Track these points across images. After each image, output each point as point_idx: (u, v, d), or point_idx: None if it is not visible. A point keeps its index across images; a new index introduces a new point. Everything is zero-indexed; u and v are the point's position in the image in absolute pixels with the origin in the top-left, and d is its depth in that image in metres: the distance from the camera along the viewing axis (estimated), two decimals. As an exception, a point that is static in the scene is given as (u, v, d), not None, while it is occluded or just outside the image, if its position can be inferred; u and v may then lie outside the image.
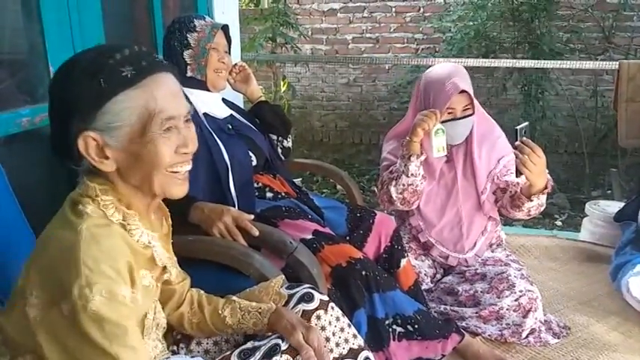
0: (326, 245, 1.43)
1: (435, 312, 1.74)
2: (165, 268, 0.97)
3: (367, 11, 4.58)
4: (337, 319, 1.08)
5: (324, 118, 5.04)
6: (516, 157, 1.58)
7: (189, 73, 1.56)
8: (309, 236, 1.45)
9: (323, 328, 1.06)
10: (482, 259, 1.88)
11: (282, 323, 0.99)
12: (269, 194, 1.61)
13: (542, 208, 1.76)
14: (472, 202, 1.86)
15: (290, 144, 1.86)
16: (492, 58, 3.73)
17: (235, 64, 1.77)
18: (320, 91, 4.92)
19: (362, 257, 1.42)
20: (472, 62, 2.92)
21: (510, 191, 1.77)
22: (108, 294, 0.78)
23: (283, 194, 1.63)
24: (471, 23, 4.04)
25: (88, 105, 0.83)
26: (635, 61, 2.29)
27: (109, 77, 0.83)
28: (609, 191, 3.92)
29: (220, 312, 1.06)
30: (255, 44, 3.88)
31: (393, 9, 4.53)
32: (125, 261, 0.83)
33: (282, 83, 4.15)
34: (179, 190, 0.92)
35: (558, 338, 1.71)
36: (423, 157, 1.74)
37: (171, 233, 1.05)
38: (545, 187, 1.65)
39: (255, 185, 1.60)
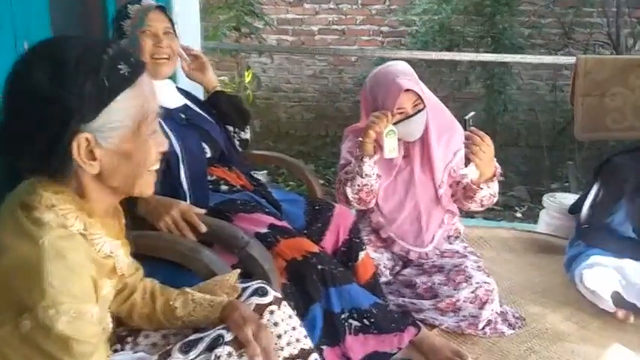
0: (282, 239, 1.40)
1: (393, 304, 1.75)
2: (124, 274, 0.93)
3: (333, 2, 4.55)
4: (290, 317, 1.06)
5: (290, 109, 4.99)
6: (466, 147, 1.59)
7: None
8: (265, 230, 1.42)
9: (276, 324, 1.03)
10: (440, 252, 1.89)
11: (234, 316, 0.96)
12: (224, 187, 1.57)
13: (495, 199, 1.78)
14: (430, 195, 1.87)
15: (248, 135, 1.82)
16: (456, 51, 3.76)
17: (186, 48, 1.70)
18: (286, 82, 4.87)
19: (318, 251, 1.40)
20: (436, 55, 2.93)
21: (462, 182, 1.79)
22: (76, 313, 0.74)
23: (239, 187, 1.59)
24: (436, 17, 4.06)
25: (90, 105, 0.78)
26: (591, 56, 2.34)
27: (110, 75, 0.80)
28: (567, 183, 4.02)
29: (172, 303, 1.02)
30: (219, 33, 3.80)
31: (359, 1, 4.51)
32: (90, 276, 0.80)
33: (246, 74, 4.08)
34: (151, 188, 0.91)
35: (514, 329, 1.73)
36: (376, 158, 1.74)
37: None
38: (494, 175, 1.68)
39: (209, 178, 1.56)
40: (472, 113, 1.62)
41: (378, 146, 1.73)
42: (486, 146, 1.58)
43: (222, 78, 4.41)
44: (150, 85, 0.87)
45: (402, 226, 1.88)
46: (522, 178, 4.10)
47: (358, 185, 1.75)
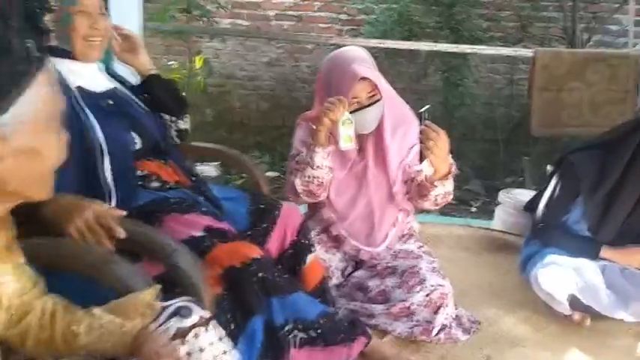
0: (219, 243, 1.25)
1: (344, 309, 1.64)
2: None
3: (290, -14, 4.38)
4: (220, 339, 0.92)
5: (244, 98, 4.79)
6: (420, 142, 1.49)
7: (53, 41, 1.31)
8: (200, 233, 1.27)
9: (202, 350, 0.89)
10: (393, 252, 1.79)
11: (145, 350, 0.81)
12: (155, 184, 1.40)
13: (449, 197, 1.69)
14: (384, 192, 1.76)
15: (187, 125, 1.65)
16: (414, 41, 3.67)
17: (116, 27, 1.52)
18: (240, 69, 4.66)
19: (259, 257, 1.26)
20: (394, 44, 2.82)
21: (416, 180, 1.69)
22: None
23: (173, 184, 1.43)
24: (395, 6, 3.96)
25: (5, 92, 0.69)
26: (549, 49, 2.29)
27: (27, 57, 0.71)
28: (521, 178, 4.02)
29: (74, 327, 0.85)
30: (166, 15, 3.57)
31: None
32: None
33: (197, 59, 3.86)
34: (50, 191, 0.80)
35: (469, 334, 1.65)
36: (330, 149, 1.62)
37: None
38: (449, 172, 1.58)
39: (139, 173, 1.39)
40: (427, 106, 1.52)
41: (332, 136, 1.61)
42: (441, 142, 1.49)
43: (171, 63, 4.18)
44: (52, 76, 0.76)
45: (354, 223, 1.77)
46: (478, 172, 4.07)
47: (308, 177, 1.63)
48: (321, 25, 4.44)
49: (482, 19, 4.08)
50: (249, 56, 4.59)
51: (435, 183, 1.60)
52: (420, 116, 1.50)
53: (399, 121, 1.77)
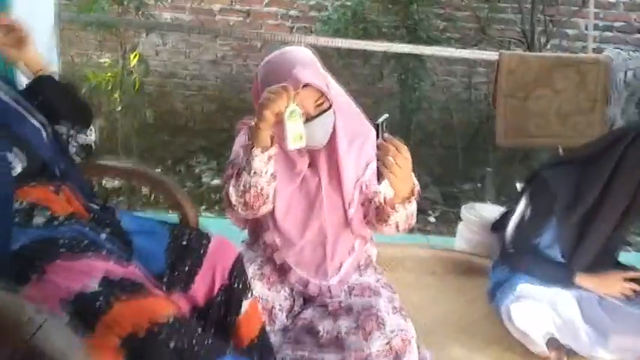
0: (117, 301, 0.94)
1: (290, 360, 1.36)
2: None
3: (235, -22, 4.06)
4: None
5: (188, 99, 4.43)
6: (378, 159, 1.24)
7: None
8: (93, 287, 0.96)
9: None
10: (348, 286, 1.53)
11: None
12: (39, 218, 1.08)
13: (412, 221, 1.44)
14: (338, 215, 1.49)
15: (93, 138, 1.33)
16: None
17: None
18: (182, 68, 4.30)
19: (171, 319, 0.96)
20: (349, 44, 2.57)
21: (375, 202, 1.44)
22: None
23: (63, 217, 1.11)
24: (348, 3, 3.72)
25: None
26: (515, 52, 2.11)
27: None
28: (479, 185, 3.88)
29: None
30: (95, 7, 3.18)
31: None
32: None
33: (131, 56, 3.49)
34: None
35: (435, 383, 1.42)
36: (272, 151, 1.34)
37: None
38: (412, 194, 1.34)
39: (17, 205, 1.06)
40: (385, 116, 1.26)
41: (276, 136, 1.33)
42: (403, 159, 1.23)
43: (103, 60, 3.78)
44: None
45: (303, 251, 1.49)
46: (435, 180, 3.90)
47: (244, 185, 1.34)
48: (269, 21, 4.14)
49: (439, 19, 3.90)
50: (193, 54, 4.24)
51: (396, 207, 1.35)
52: (377, 128, 1.23)
53: (355, 133, 1.51)
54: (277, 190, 1.43)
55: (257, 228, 1.56)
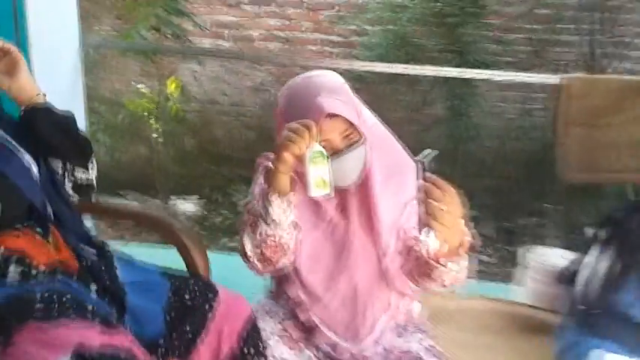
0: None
1: None
2: None
3: (276, 5, 3.96)
4: None
5: (227, 126, 4.34)
6: (420, 204, 1.01)
7: None
8: (63, 362, 0.78)
9: None
10: (384, 349, 1.29)
11: None
12: (14, 272, 0.91)
13: (463, 277, 1.20)
14: (372, 266, 1.27)
15: (91, 175, 1.17)
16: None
17: None
18: (221, 94, 4.22)
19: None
20: (392, 68, 2.37)
21: (415, 250, 1.20)
22: None
23: (45, 270, 0.94)
24: (392, 27, 3.54)
25: None
26: (580, 75, 1.85)
27: None
28: (536, 219, 3.54)
29: None
30: (133, 33, 3.14)
31: (306, 5, 3.93)
32: None
33: (169, 82, 3.42)
34: None
35: None
36: (293, 198, 1.14)
37: None
38: (463, 246, 1.09)
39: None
40: (428, 151, 1.03)
41: (299, 181, 1.14)
42: (450, 204, 1.01)
43: (140, 86, 3.75)
44: None
45: (330, 307, 1.27)
46: (488, 215, 3.59)
47: (261, 235, 1.15)
48: (310, 47, 4.01)
49: (489, 42, 3.64)
50: (232, 80, 4.16)
51: (441, 261, 1.11)
52: (418, 166, 1.01)
53: (392, 169, 1.29)
54: (300, 239, 1.23)
55: (281, 278, 1.36)
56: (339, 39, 3.95)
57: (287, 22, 3.98)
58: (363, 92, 3.47)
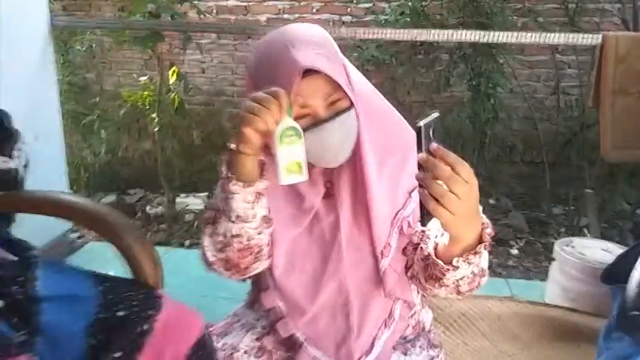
0: None
1: None
2: None
3: (283, -14, 3.72)
4: None
5: (235, 117, 4.13)
6: (420, 184, 0.75)
7: None
8: None
9: None
10: (386, 370, 1.04)
11: None
12: None
13: (483, 280, 0.93)
14: (368, 269, 1.02)
15: (17, 164, 0.96)
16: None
17: None
18: (229, 84, 4.01)
19: None
20: (401, 35, 2.07)
21: (422, 249, 0.94)
22: None
23: None
24: (408, 2, 3.25)
25: None
26: (626, 33, 1.54)
27: None
28: (573, 208, 3.21)
29: None
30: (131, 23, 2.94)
31: (314, -16, 3.69)
32: None
33: (170, 73, 3.22)
34: None
35: None
36: (262, 185, 0.90)
37: None
38: (481, 241, 0.83)
39: None
40: (434, 115, 0.77)
41: (270, 163, 0.90)
42: (461, 184, 0.74)
43: (142, 78, 3.57)
44: None
45: (316, 321, 1.03)
46: (518, 203, 3.28)
47: (224, 235, 0.93)
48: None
49: (515, 15, 3.31)
50: (239, 69, 3.94)
51: (454, 261, 0.85)
52: (419, 132, 0.74)
53: (391, 148, 1.03)
54: (276, 237, 0.99)
55: (258, 282, 1.12)
56: (353, 19, 3.68)
57: (296, 4, 3.74)
58: (377, 75, 3.20)
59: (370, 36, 1.96)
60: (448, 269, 0.86)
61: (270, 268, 1.01)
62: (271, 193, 0.95)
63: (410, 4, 3.23)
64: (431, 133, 0.74)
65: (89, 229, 0.94)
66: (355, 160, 0.99)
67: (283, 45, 0.90)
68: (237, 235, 0.92)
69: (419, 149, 0.74)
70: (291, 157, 0.86)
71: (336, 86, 0.91)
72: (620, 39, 1.56)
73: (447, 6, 3.11)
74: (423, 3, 3.11)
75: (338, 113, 0.92)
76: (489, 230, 0.85)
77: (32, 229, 0.91)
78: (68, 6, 3.85)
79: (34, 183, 0.98)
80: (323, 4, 3.68)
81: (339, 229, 1.00)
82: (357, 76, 1.02)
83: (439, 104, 3.37)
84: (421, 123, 0.73)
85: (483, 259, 0.88)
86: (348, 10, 3.67)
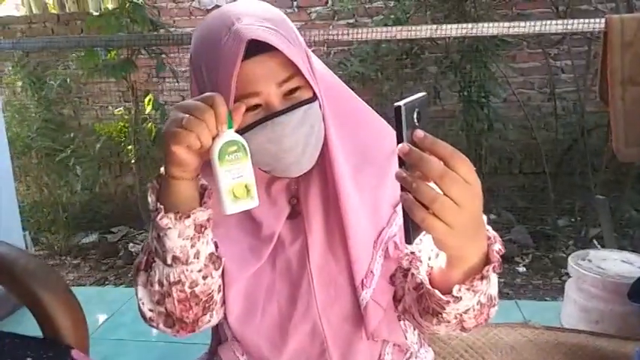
0: None
1: None
2: None
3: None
4: None
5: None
6: (402, 186, 0.55)
7: None
8: None
9: None
10: None
11: None
12: None
13: (493, 310, 0.72)
14: (345, 305, 0.82)
15: None
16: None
17: None
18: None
19: None
20: (372, 34, 1.92)
21: (414, 275, 0.74)
22: None
23: None
24: (391, 16, 3.12)
25: None
26: (631, 15, 1.39)
27: None
28: (579, 218, 3.02)
29: None
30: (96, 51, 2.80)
31: (295, 3, 3.56)
32: None
33: (146, 101, 3.06)
34: None
35: None
36: (202, 215, 0.71)
37: None
38: (488, 262, 0.63)
39: None
40: (419, 95, 0.58)
41: (213, 186, 0.72)
42: (457, 182, 0.54)
43: (117, 110, 3.41)
44: None
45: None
46: (520, 217, 3.08)
47: (159, 283, 0.74)
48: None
49: (504, 21, 3.17)
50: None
51: (455, 290, 0.65)
52: (399, 116, 0.55)
53: (368, 154, 0.85)
54: (230, 276, 0.80)
55: (215, 331, 0.92)
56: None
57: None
58: (364, 92, 3.01)
59: (345, 37, 1.80)
60: (448, 301, 0.66)
61: (225, 316, 0.81)
62: (219, 222, 0.76)
63: (392, 16, 3.09)
64: (415, 117, 0.55)
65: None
66: (324, 167, 0.80)
67: (227, 19, 0.72)
68: (177, 282, 0.73)
69: (399, 138, 0.55)
70: (236, 178, 0.68)
71: (294, 72, 0.73)
72: (626, 22, 1.39)
73: (431, 15, 2.97)
74: (407, 15, 2.98)
75: (297, 105, 0.74)
76: (498, 246, 0.65)
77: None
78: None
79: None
80: (303, 22, 3.56)
81: (308, 257, 0.81)
82: (322, 67, 0.84)
83: (430, 118, 3.21)
84: (401, 103, 0.54)
85: (492, 284, 0.68)
86: (330, 27, 3.54)
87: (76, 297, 0.76)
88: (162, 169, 0.71)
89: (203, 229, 0.72)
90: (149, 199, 0.72)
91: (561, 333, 1.38)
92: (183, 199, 0.70)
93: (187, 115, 0.64)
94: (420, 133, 0.54)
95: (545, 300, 2.22)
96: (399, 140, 0.55)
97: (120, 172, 3.71)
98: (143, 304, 0.76)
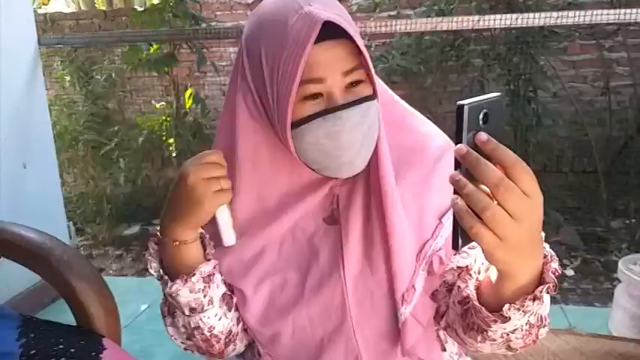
0: None
1: None
2: None
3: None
4: None
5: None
6: (454, 190, 0.50)
7: None
8: None
9: None
10: None
11: None
12: None
13: (543, 331, 0.66)
14: (382, 320, 0.77)
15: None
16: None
17: None
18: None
19: None
20: (419, 26, 1.87)
21: (461, 289, 0.68)
22: None
23: None
24: (435, 7, 3.02)
25: None
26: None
27: None
28: (634, 220, 2.85)
29: None
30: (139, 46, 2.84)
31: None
32: None
33: (186, 95, 3.09)
34: None
35: None
36: (208, 268, 0.73)
37: None
38: (543, 282, 0.57)
39: None
40: (492, 95, 0.52)
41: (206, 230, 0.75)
42: (515, 194, 0.49)
43: (159, 104, 3.46)
44: None
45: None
46: (570, 217, 2.95)
47: (184, 327, 0.76)
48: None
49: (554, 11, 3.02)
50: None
51: (505, 310, 0.59)
52: (459, 116, 0.50)
53: (409, 158, 0.80)
54: (255, 305, 0.79)
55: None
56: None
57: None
58: (405, 86, 2.93)
59: (386, 29, 1.74)
60: (495, 320, 0.61)
61: (257, 339, 0.81)
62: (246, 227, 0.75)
63: (435, 7, 2.99)
64: (481, 118, 0.50)
65: (30, 268, 0.73)
66: (369, 172, 0.76)
67: (294, 2, 0.68)
68: (197, 328, 0.75)
69: (458, 138, 0.50)
70: (227, 211, 0.71)
71: (358, 64, 0.69)
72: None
73: (477, 6, 2.86)
74: (451, 6, 2.87)
75: (359, 100, 0.70)
76: (555, 265, 0.60)
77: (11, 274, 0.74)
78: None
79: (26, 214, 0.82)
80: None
81: (343, 266, 0.77)
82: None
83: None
84: (465, 102, 0.50)
85: (544, 305, 0.63)
86: (371, 19, 3.46)
87: (108, 287, 0.77)
88: (159, 236, 0.72)
89: (211, 276, 0.73)
90: (151, 267, 0.74)
91: (609, 341, 1.29)
92: (192, 263, 0.71)
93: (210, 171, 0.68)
94: (482, 136, 0.50)
95: (594, 306, 2.11)
96: (458, 141, 0.50)
97: (162, 165, 3.77)
98: (175, 339, 0.79)
